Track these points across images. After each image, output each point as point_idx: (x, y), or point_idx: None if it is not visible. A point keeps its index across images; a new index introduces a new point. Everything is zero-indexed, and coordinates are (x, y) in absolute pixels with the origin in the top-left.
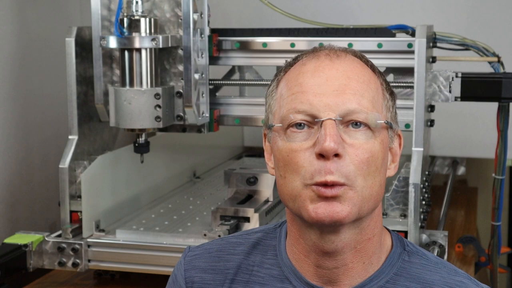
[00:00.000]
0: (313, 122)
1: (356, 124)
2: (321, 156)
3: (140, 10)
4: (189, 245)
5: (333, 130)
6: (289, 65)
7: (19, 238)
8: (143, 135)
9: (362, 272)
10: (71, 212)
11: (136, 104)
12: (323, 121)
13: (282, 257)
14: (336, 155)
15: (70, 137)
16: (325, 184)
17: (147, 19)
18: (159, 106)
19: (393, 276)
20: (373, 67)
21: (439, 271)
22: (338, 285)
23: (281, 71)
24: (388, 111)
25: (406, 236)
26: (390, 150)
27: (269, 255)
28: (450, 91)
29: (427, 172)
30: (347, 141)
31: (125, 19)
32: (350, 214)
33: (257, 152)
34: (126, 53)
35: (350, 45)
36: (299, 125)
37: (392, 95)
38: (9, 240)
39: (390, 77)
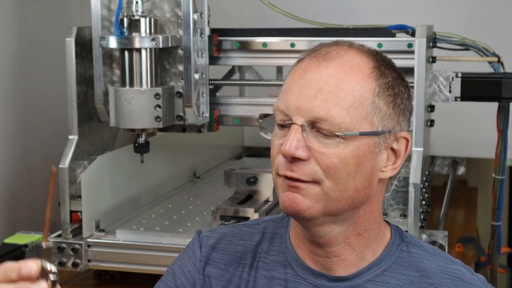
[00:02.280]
0: (288, 123)
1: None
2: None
3: (140, 10)
4: (200, 229)
5: (296, 135)
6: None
7: (19, 238)
8: (143, 135)
9: (356, 263)
10: (71, 212)
11: (136, 104)
12: (291, 124)
13: (287, 244)
14: (298, 158)
15: (70, 137)
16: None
17: (147, 19)
18: (159, 106)
19: (391, 264)
20: (377, 68)
21: (436, 260)
22: (335, 271)
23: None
24: (379, 118)
25: None
26: (394, 152)
27: (275, 243)
28: (450, 91)
29: (427, 172)
30: (313, 146)
31: (125, 19)
32: (312, 209)
33: (257, 152)
34: (126, 53)
35: None
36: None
37: (397, 99)
38: (9, 240)
39: None
